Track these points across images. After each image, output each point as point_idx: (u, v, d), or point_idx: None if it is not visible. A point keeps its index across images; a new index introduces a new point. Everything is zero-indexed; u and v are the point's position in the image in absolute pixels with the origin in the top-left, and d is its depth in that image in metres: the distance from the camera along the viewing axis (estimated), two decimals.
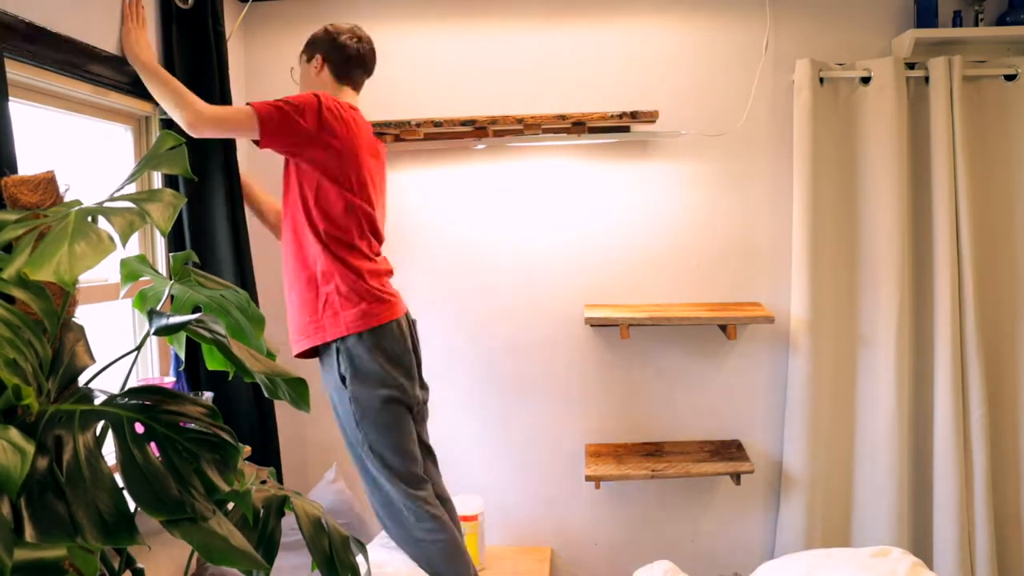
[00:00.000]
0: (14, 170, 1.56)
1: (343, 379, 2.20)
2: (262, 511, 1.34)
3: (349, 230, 2.22)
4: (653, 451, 2.89)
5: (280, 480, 2.67)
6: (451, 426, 3.00)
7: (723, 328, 2.74)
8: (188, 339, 1.59)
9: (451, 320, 2.99)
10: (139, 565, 1.28)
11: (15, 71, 1.81)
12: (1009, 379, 2.81)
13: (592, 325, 2.85)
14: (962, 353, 2.74)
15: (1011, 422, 2.81)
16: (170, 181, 2.39)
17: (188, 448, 1.06)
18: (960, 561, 2.72)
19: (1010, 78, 2.77)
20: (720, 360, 2.96)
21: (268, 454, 2.64)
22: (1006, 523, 2.82)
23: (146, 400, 1.09)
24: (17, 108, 1.61)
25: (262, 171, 2.90)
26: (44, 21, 1.89)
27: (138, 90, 2.32)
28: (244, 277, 2.57)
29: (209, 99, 2.46)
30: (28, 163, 1.62)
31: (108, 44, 2.15)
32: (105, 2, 2.18)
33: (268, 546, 1.33)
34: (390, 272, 2.36)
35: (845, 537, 2.87)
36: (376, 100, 2.96)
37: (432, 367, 3.01)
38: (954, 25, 2.77)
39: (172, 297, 1.49)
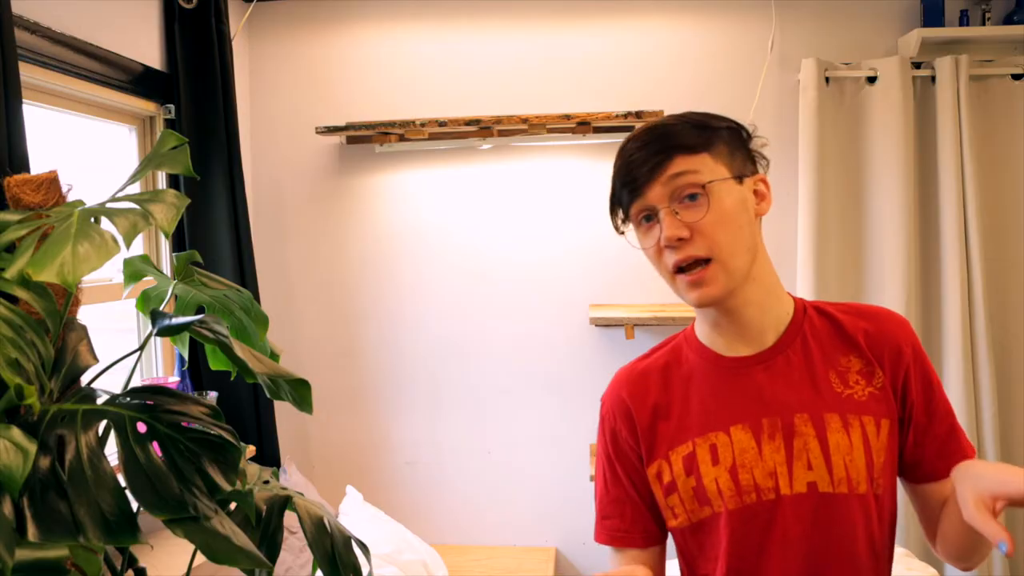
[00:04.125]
0: (25, 171, 1.57)
1: None
2: (264, 511, 1.34)
3: None
4: None
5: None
6: (456, 425, 3.00)
7: None
8: (191, 339, 1.59)
9: (456, 319, 2.99)
10: (141, 565, 1.28)
11: (26, 74, 1.82)
12: (1019, 379, 2.79)
13: (597, 325, 2.84)
14: (972, 354, 2.72)
15: (1022, 422, 2.79)
16: (173, 180, 2.40)
17: (190, 448, 1.05)
18: None
19: (1017, 77, 2.75)
20: None
21: (271, 453, 2.65)
22: (1018, 523, 2.80)
23: (148, 400, 1.09)
24: (24, 109, 1.61)
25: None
26: (54, 24, 1.90)
27: (142, 90, 2.32)
28: (244, 276, 2.57)
29: (212, 100, 2.46)
30: (32, 163, 1.62)
31: (113, 45, 2.16)
32: (111, 4, 2.18)
33: (271, 546, 1.32)
34: None
35: None
36: (381, 100, 2.96)
37: (437, 366, 3.01)
38: (961, 24, 2.76)
39: (176, 297, 1.49)
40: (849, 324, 1.13)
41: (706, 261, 1.05)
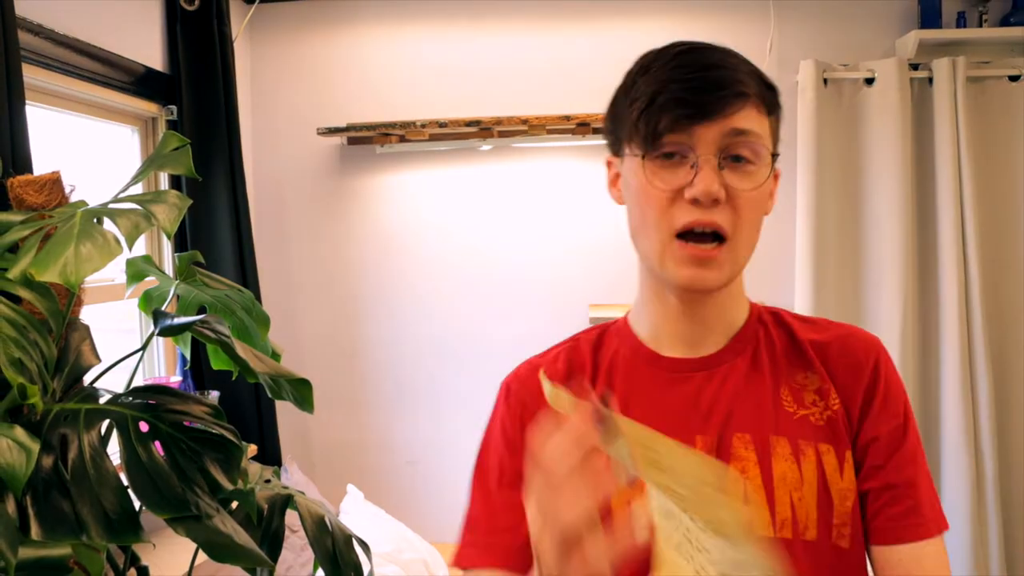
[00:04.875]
0: (28, 171, 1.58)
1: None
2: (266, 509, 1.35)
3: None
4: None
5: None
6: (456, 424, 3.01)
7: None
8: (193, 338, 1.60)
9: (455, 320, 3.00)
10: (143, 563, 1.29)
11: (29, 75, 1.83)
12: (1017, 381, 2.79)
13: None
14: (969, 354, 2.72)
15: (1019, 424, 2.80)
16: (175, 181, 2.41)
17: (192, 447, 1.06)
18: (972, 564, 2.70)
19: (1014, 79, 2.76)
20: None
21: (272, 453, 2.65)
22: (1016, 525, 2.80)
23: (151, 399, 1.10)
24: (27, 110, 1.62)
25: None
26: (56, 26, 1.91)
27: (144, 91, 2.33)
28: (246, 276, 2.58)
29: (214, 101, 2.47)
30: (35, 164, 1.63)
31: (116, 47, 2.17)
32: (114, 6, 2.19)
33: (272, 544, 1.33)
34: None
35: None
36: (381, 101, 2.97)
37: (438, 366, 3.02)
38: (958, 26, 2.76)
39: (178, 297, 1.50)
40: (803, 334, 0.92)
41: (722, 240, 0.82)
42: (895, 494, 0.84)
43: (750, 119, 0.82)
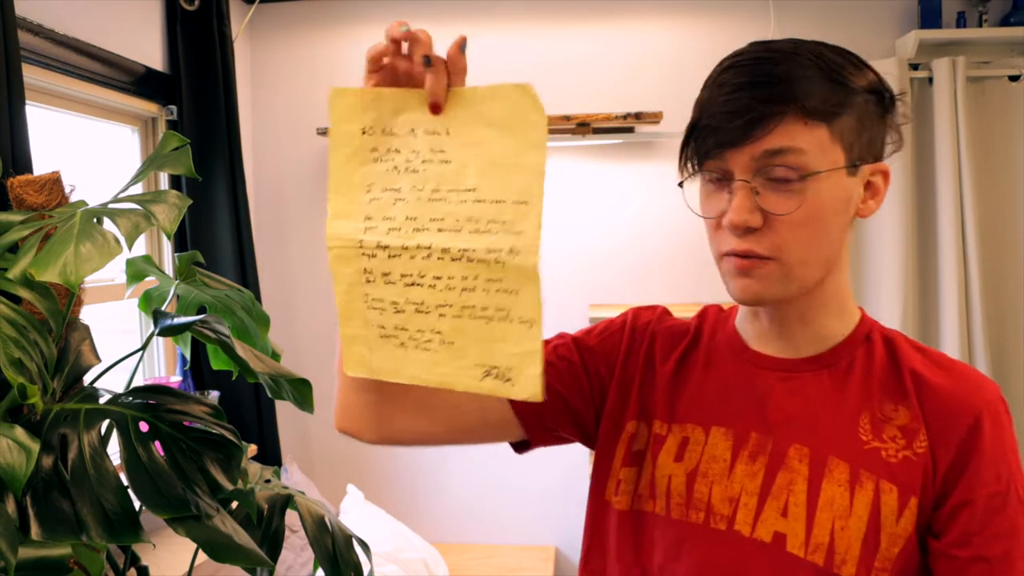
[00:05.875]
0: (28, 171, 1.58)
1: None
2: (266, 509, 1.35)
3: None
4: None
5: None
6: None
7: None
8: (193, 338, 1.60)
9: None
10: (143, 563, 1.29)
11: (29, 75, 1.83)
12: (1017, 381, 2.80)
13: None
14: (969, 354, 2.73)
15: (1020, 424, 2.79)
16: (175, 181, 2.41)
17: (192, 447, 1.06)
18: None
19: (1014, 79, 2.76)
20: None
21: (272, 452, 2.66)
22: None
23: (151, 399, 1.10)
24: (27, 110, 1.63)
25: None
26: (56, 26, 1.91)
27: (144, 91, 2.33)
28: (246, 277, 2.58)
29: (214, 101, 2.47)
30: (35, 164, 1.63)
31: (116, 47, 2.17)
32: (114, 6, 2.19)
33: (272, 544, 1.33)
34: None
35: None
36: None
37: None
38: (958, 26, 2.76)
39: (177, 297, 1.50)
40: (907, 362, 0.85)
41: (765, 257, 0.81)
42: (987, 569, 0.78)
43: (789, 135, 0.77)
